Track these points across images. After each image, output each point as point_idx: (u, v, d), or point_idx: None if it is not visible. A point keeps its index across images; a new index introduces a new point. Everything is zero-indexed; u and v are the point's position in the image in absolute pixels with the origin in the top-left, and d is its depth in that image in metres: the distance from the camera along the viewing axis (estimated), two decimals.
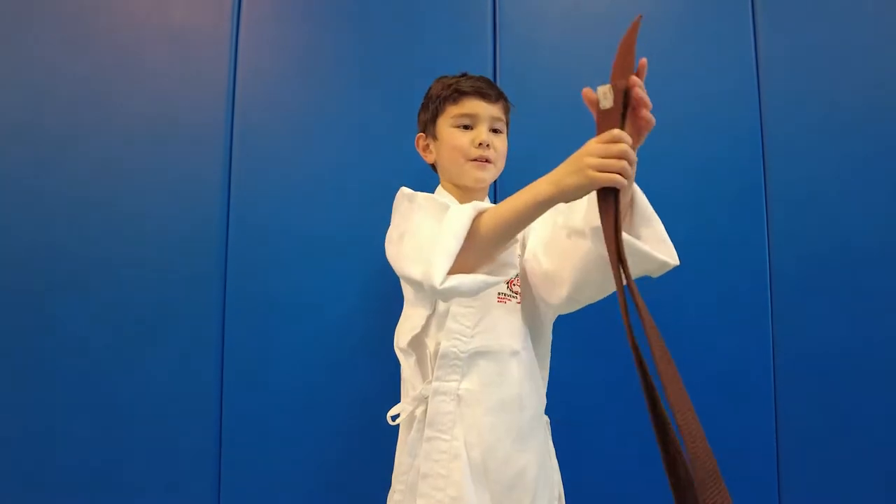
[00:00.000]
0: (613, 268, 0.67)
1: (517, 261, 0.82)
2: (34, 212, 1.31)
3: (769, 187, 1.31)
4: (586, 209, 0.84)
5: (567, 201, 0.74)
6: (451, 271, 0.76)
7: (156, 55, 1.36)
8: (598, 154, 0.69)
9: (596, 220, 0.73)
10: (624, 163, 0.68)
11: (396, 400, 1.01)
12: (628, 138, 0.69)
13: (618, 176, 0.68)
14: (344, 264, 1.31)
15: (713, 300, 1.29)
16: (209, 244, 1.31)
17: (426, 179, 1.13)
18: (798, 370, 1.27)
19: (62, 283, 1.29)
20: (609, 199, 0.70)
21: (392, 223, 0.94)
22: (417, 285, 0.79)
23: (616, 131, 0.68)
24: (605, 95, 0.70)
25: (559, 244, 0.91)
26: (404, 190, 0.94)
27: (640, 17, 0.71)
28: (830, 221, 1.30)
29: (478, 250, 0.78)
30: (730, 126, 1.32)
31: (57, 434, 1.26)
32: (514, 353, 0.93)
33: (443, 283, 0.74)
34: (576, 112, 1.31)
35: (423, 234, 0.82)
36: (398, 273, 0.87)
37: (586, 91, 0.72)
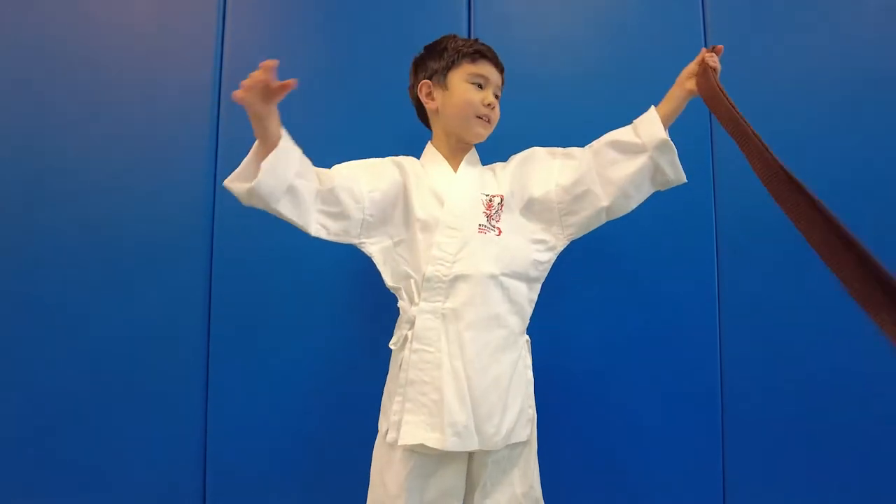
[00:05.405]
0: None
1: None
2: (22, 192, 1.34)
3: (717, 176, 1.37)
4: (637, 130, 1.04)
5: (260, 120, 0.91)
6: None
7: (144, 28, 1.40)
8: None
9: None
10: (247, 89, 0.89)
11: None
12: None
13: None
14: (333, 253, 1.32)
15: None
16: (195, 235, 1.35)
17: (412, 151, 1.17)
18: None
19: (43, 275, 1.33)
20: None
21: None
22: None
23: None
24: None
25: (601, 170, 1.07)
26: None
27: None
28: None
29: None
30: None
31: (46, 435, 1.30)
32: (493, 277, 1.03)
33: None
34: (547, 85, 1.37)
35: None
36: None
37: None
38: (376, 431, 1.07)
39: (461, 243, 1.03)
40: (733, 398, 1.32)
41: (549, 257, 1.10)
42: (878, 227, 1.32)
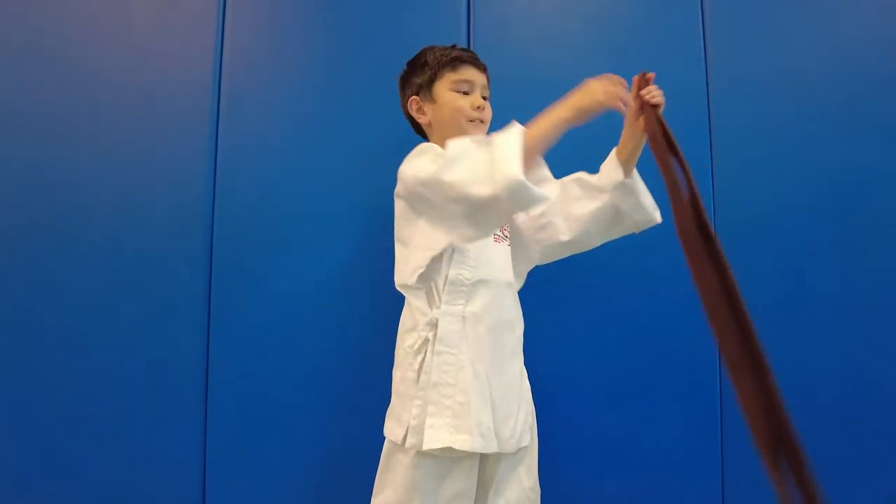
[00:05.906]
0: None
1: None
2: (22, 192, 1.34)
3: (716, 175, 1.36)
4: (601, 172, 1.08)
5: (579, 122, 0.93)
6: None
7: (144, 27, 1.39)
8: (602, 86, 0.93)
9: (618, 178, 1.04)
10: (619, 91, 0.93)
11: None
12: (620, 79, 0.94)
13: (619, 102, 0.93)
14: (332, 254, 1.34)
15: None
16: (195, 229, 1.34)
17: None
18: None
19: (43, 275, 1.32)
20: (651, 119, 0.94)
21: (413, 169, 0.98)
22: (486, 201, 0.85)
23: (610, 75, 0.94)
24: None
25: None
26: (426, 145, 1.05)
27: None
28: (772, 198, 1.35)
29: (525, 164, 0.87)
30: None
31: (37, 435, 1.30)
32: (508, 285, 1.09)
33: (522, 175, 0.82)
34: (546, 85, 1.36)
35: (478, 158, 0.88)
36: (450, 198, 0.89)
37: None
38: (379, 432, 1.06)
39: (481, 249, 1.05)
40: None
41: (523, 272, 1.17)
42: (877, 227, 1.33)
